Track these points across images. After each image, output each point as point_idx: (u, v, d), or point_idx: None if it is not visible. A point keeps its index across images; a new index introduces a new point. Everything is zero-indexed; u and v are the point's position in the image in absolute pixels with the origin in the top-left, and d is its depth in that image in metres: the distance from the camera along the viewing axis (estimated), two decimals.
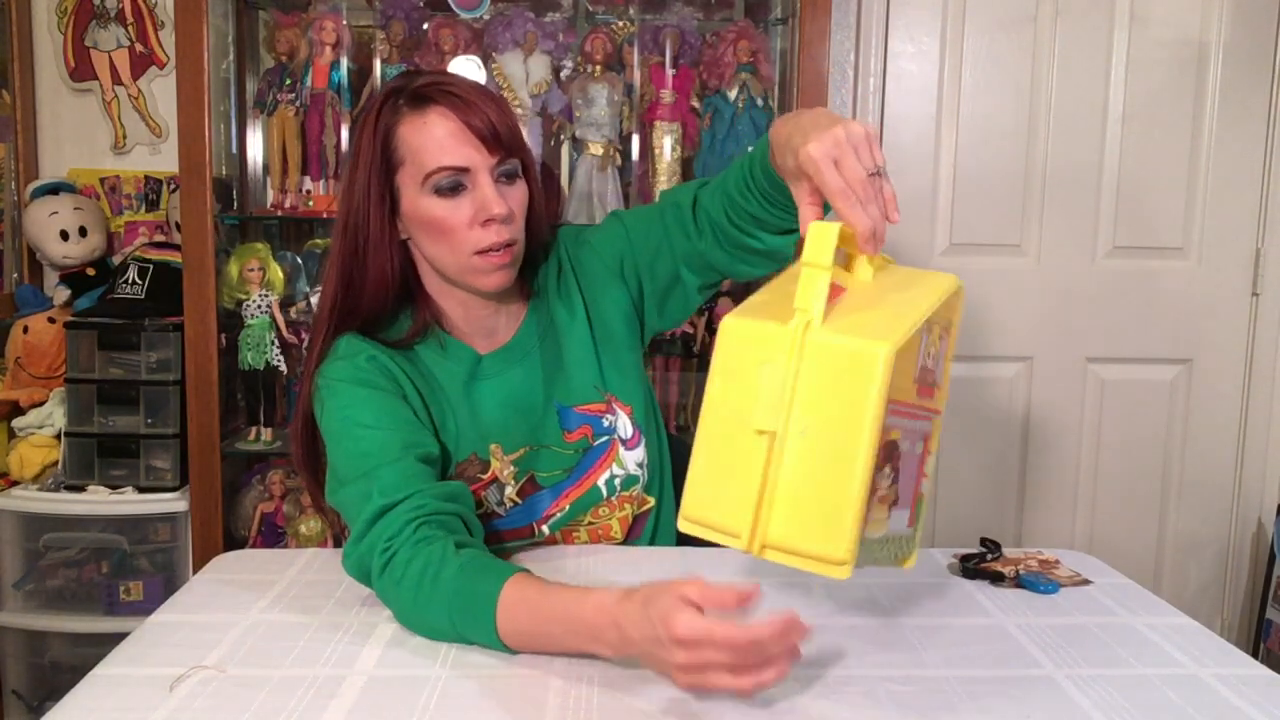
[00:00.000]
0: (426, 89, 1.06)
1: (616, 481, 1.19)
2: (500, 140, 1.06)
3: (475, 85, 1.09)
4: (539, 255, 1.22)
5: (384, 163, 1.07)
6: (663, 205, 1.19)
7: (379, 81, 2.01)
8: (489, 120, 1.05)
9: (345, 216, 1.10)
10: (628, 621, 0.81)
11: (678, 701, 0.83)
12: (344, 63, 2.02)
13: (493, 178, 1.06)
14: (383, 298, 1.12)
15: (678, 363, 2.14)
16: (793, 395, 0.73)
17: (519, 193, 1.10)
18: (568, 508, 1.17)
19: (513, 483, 1.15)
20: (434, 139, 1.05)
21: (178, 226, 2.09)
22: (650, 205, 1.23)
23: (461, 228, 1.06)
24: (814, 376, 0.73)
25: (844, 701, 0.83)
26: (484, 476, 1.14)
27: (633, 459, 1.21)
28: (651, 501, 1.24)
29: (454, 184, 1.06)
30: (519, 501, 1.16)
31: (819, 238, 0.76)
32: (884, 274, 0.83)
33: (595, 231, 1.24)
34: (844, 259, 0.82)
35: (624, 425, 1.21)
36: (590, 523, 1.20)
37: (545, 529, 1.17)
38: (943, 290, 0.80)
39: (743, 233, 1.08)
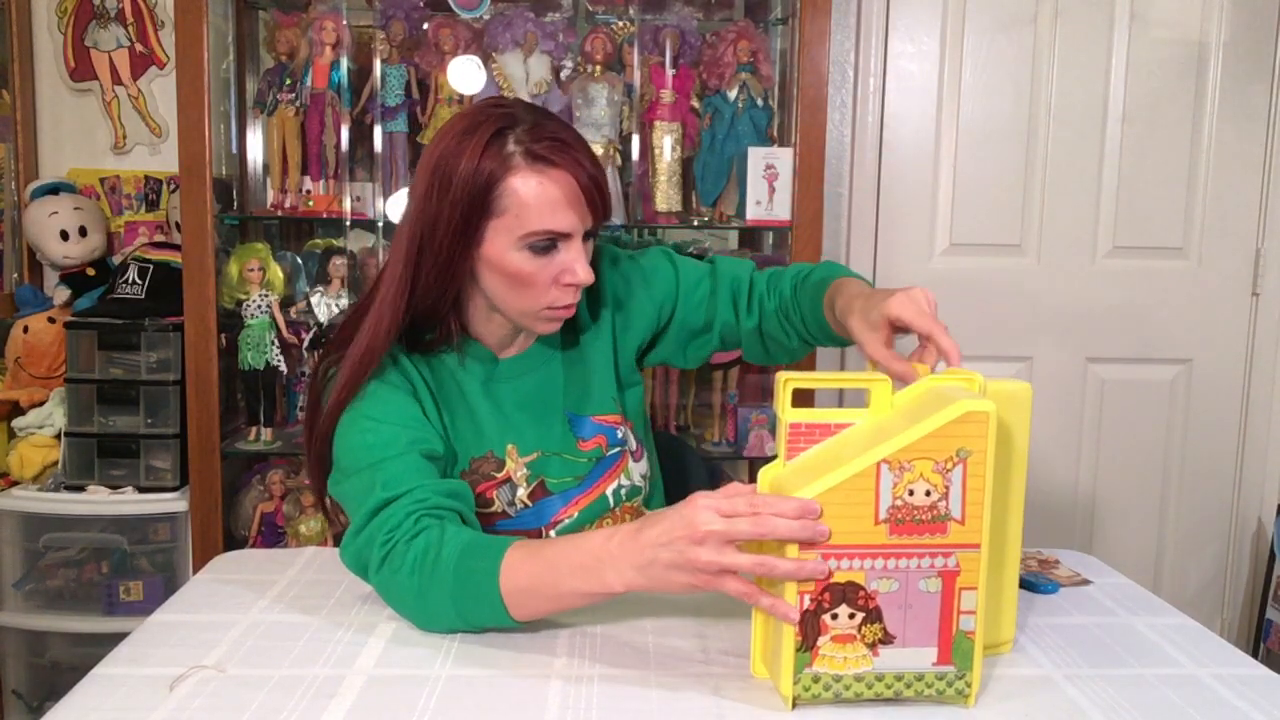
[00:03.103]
0: (543, 146, 1.03)
1: (623, 492, 1.20)
2: (605, 204, 1.07)
3: (581, 139, 1.07)
4: None
5: (480, 206, 1.03)
6: (716, 271, 1.26)
7: (379, 81, 2.01)
8: (598, 184, 1.05)
9: (420, 239, 1.05)
10: (643, 523, 0.86)
11: (678, 703, 0.83)
12: (344, 63, 2.02)
13: (582, 240, 1.07)
14: (431, 316, 1.11)
15: None
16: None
17: (590, 247, 1.10)
18: (576, 515, 1.18)
19: (525, 484, 1.16)
20: (547, 201, 1.03)
21: (178, 226, 2.09)
22: (697, 261, 1.28)
23: (544, 285, 1.06)
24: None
25: (844, 701, 0.83)
26: (498, 475, 1.15)
27: (638, 470, 1.23)
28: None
29: (550, 245, 1.05)
30: (529, 504, 1.16)
31: (778, 388, 0.86)
32: (905, 402, 0.87)
33: (643, 258, 1.26)
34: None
35: (631, 438, 1.24)
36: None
37: (553, 534, 1.17)
38: (929, 425, 0.79)
39: (784, 333, 1.22)
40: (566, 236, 1.05)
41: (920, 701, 0.83)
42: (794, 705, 0.83)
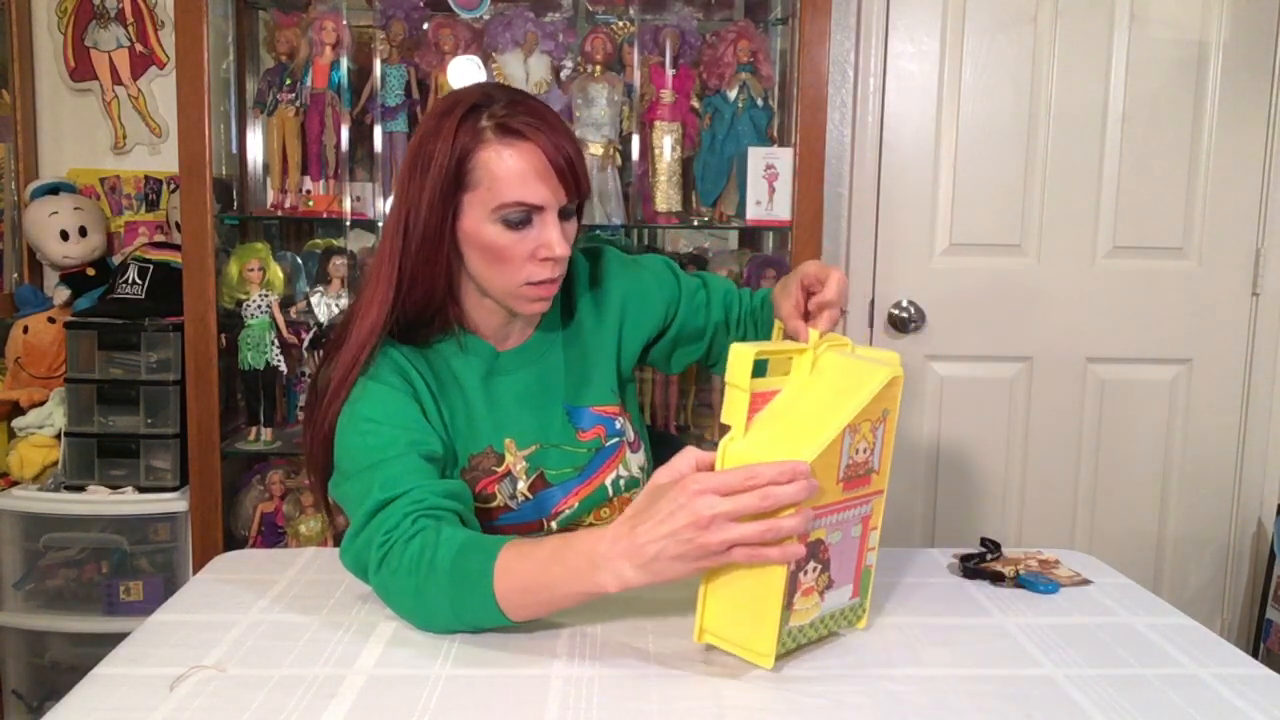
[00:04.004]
0: (516, 121, 1.05)
1: (621, 482, 1.21)
2: (578, 182, 1.08)
3: (558, 119, 1.09)
4: None
5: (454, 180, 1.06)
6: (710, 283, 1.31)
7: (379, 81, 2.01)
8: (570, 160, 1.06)
9: (405, 220, 1.08)
10: (634, 519, 0.86)
11: (678, 701, 0.83)
12: (344, 63, 2.02)
13: (558, 215, 1.08)
14: (427, 304, 1.12)
15: None
16: None
17: (572, 228, 1.11)
18: (576, 505, 1.19)
19: (524, 477, 1.17)
20: (517, 172, 1.05)
21: (178, 226, 2.09)
22: (692, 274, 1.32)
23: (520, 259, 1.07)
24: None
25: (844, 701, 0.83)
26: (498, 470, 1.16)
27: (636, 462, 1.24)
28: None
29: (524, 218, 1.06)
30: (530, 497, 1.17)
31: (738, 360, 0.87)
32: (824, 369, 0.92)
33: (648, 261, 1.30)
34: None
35: (630, 429, 1.25)
36: (591, 523, 1.21)
37: (554, 525, 1.18)
38: (871, 389, 0.87)
39: (756, 339, 1.26)
40: (539, 209, 1.06)
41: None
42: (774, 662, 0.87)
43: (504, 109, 1.06)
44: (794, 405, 0.88)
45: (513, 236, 1.06)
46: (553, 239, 1.06)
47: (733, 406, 0.87)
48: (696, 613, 0.89)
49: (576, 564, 0.89)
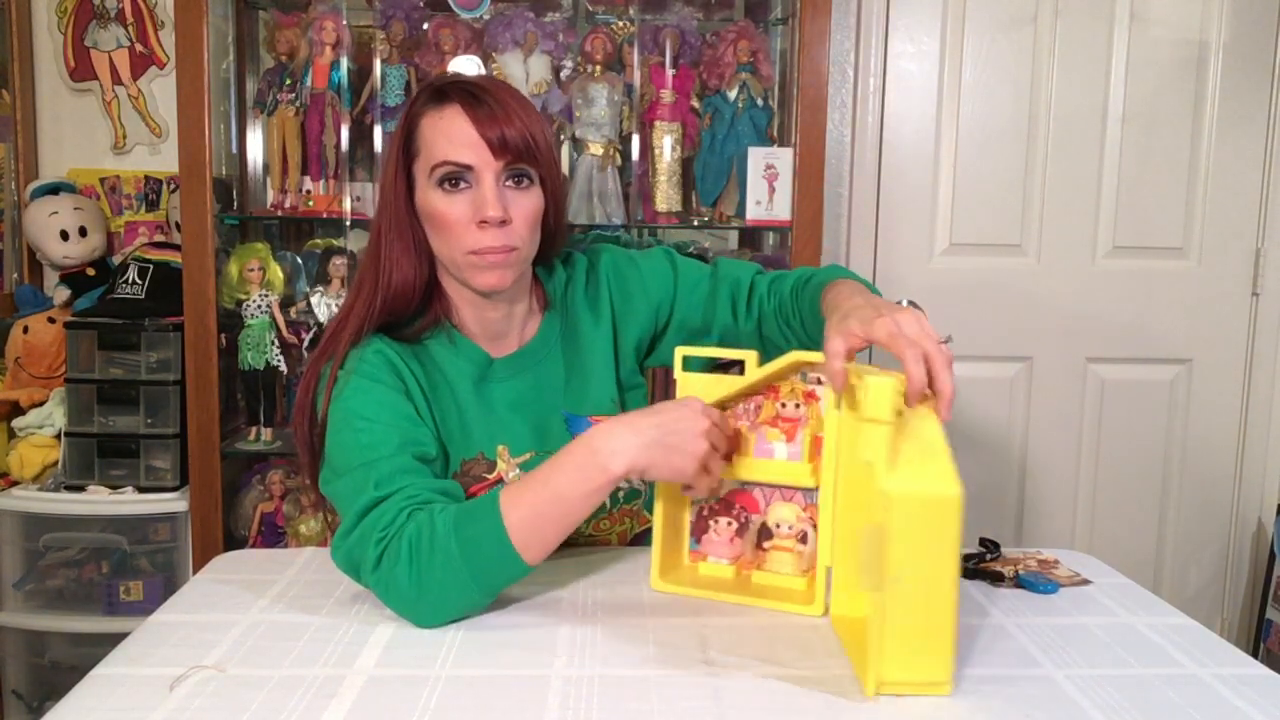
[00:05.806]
0: (448, 86, 1.09)
1: (620, 493, 1.20)
2: (508, 145, 1.07)
3: (500, 89, 1.10)
4: (557, 265, 1.23)
5: (405, 153, 1.11)
6: (718, 273, 1.26)
7: (379, 81, 2.01)
8: (499, 124, 1.06)
9: (383, 207, 1.13)
10: (634, 413, 0.97)
11: (677, 702, 0.83)
12: (344, 63, 2.02)
13: (498, 181, 1.07)
14: (410, 291, 1.12)
15: None
16: (884, 547, 0.81)
17: (527, 200, 1.10)
18: None
19: None
20: (444, 133, 1.07)
21: (178, 226, 2.09)
22: (699, 263, 1.28)
23: (458, 224, 1.07)
24: (900, 526, 0.81)
25: (844, 701, 0.83)
26: (489, 476, 1.15)
27: None
28: (650, 520, 1.25)
29: (455, 178, 1.07)
30: None
31: (880, 395, 0.84)
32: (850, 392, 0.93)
33: (643, 258, 1.27)
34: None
35: None
36: (591, 534, 1.20)
37: None
38: (930, 401, 0.88)
39: (783, 337, 1.21)
40: (469, 169, 1.07)
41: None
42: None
43: (443, 82, 1.11)
44: (912, 433, 0.86)
45: (448, 200, 1.07)
46: (485, 199, 1.06)
47: (874, 441, 0.84)
48: (870, 667, 0.83)
49: (579, 460, 0.93)
